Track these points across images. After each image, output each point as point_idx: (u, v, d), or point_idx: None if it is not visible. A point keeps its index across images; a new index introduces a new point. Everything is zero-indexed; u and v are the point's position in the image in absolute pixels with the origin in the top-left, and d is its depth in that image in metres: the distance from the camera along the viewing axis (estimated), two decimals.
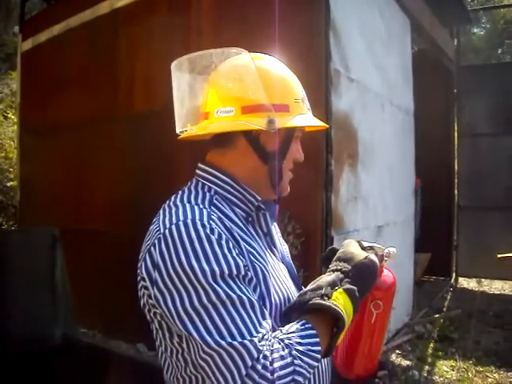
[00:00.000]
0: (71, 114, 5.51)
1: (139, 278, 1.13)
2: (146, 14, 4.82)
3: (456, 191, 8.29)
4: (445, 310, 6.56)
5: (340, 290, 1.10)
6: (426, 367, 4.65)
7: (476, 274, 8.06)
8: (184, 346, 1.09)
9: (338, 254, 1.20)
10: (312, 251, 3.60)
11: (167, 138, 4.53)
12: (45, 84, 5.95)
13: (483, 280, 8.09)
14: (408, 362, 4.66)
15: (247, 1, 4.11)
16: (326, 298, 1.07)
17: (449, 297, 7.32)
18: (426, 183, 6.95)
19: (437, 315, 6.08)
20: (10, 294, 4.07)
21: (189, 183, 1.25)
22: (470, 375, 4.46)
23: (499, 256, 5.52)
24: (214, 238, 1.05)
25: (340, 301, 1.08)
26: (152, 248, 1.08)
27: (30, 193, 6.21)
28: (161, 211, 1.16)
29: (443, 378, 4.44)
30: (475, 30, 23.40)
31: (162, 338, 1.14)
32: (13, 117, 9.17)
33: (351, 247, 1.21)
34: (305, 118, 1.22)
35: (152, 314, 1.13)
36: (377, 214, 4.66)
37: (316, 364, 1.04)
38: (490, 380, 4.40)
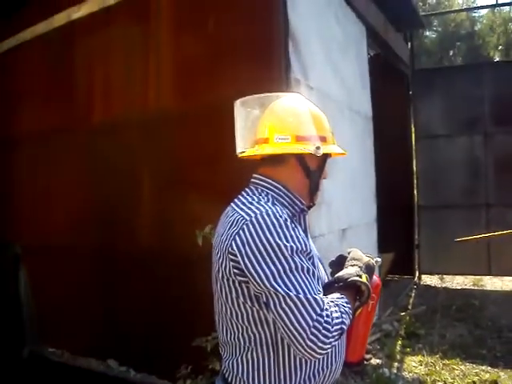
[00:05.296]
0: (29, 126, 5.39)
1: (225, 254, 1.46)
2: (104, 25, 4.76)
3: (415, 191, 8.50)
4: (410, 307, 6.72)
5: (364, 275, 1.54)
6: (396, 364, 4.77)
7: (438, 270, 8.32)
8: (255, 307, 1.46)
9: (350, 256, 1.64)
10: None
11: (126, 149, 4.55)
12: (1, 98, 5.81)
13: (445, 276, 8.34)
14: (378, 361, 4.77)
15: (206, 11, 4.12)
16: (359, 278, 1.52)
17: (413, 294, 7.51)
18: (386, 184, 7.09)
19: (403, 313, 6.23)
20: None
21: (247, 189, 1.62)
22: (438, 368, 4.62)
23: (457, 240, 5.72)
24: (288, 224, 1.43)
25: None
26: (240, 231, 1.42)
27: None
28: (235, 208, 1.53)
29: (412, 373, 4.57)
30: (428, 34, 24.05)
31: (231, 304, 1.50)
32: None
33: (358, 252, 1.66)
34: (336, 148, 1.65)
35: (231, 283, 1.47)
36: (340, 218, 4.73)
37: (349, 323, 1.47)
38: (456, 372, 4.55)
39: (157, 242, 4.39)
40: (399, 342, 5.31)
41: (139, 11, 4.55)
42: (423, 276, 8.43)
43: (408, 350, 5.08)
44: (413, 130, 8.46)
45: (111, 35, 4.70)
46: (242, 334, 1.51)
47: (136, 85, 4.56)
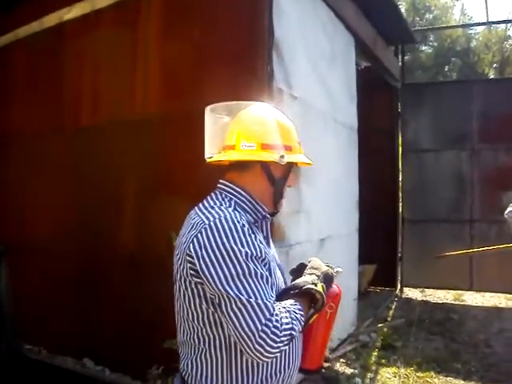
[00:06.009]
0: (18, 126, 5.41)
1: (184, 256, 1.50)
2: (94, 27, 4.80)
3: (401, 204, 8.55)
4: (389, 319, 6.75)
5: (320, 284, 1.58)
6: (370, 375, 4.79)
7: (420, 284, 8.38)
8: (211, 309, 1.49)
9: (310, 264, 1.68)
10: None
11: (113, 151, 4.57)
12: None
13: (427, 290, 8.40)
14: (352, 370, 4.80)
15: (194, 17, 4.17)
16: (314, 286, 1.56)
17: (393, 306, 7.55)
18: (371, 197, 7.15)
19: (381, 324, 6.27)
20: None
21: (212, 194, 1.66)
22: (411, 381, 4.64)
23: (437, 256, 5.82)
24: (245, 230, 1.48)
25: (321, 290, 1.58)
26: (199, 234, 1.47)
27: None
28: (197, 211, 1.58)
29: None
30: (423, 48, 24.23)
31: (188, 305, 1.54)
32: None
33: (318, 262, 1.70)
34: (302, 157, 1.69)
35: (188, 283, 1.51)
36: (320, 228, 4.76)
37: (300, 329, 1.52)
38: None
39: (136, 243, 4.41)
40: (375, 353, 5.34)
41: (129, 16, 4.59)
42: (405, 289, 8.47)
43: (383, 361, 5.11)
44: (400, 143, 8.52)
45: (100, 38, 4.73)
46: (197, 334, 1.55)
47: (123, 88, 4.59)
